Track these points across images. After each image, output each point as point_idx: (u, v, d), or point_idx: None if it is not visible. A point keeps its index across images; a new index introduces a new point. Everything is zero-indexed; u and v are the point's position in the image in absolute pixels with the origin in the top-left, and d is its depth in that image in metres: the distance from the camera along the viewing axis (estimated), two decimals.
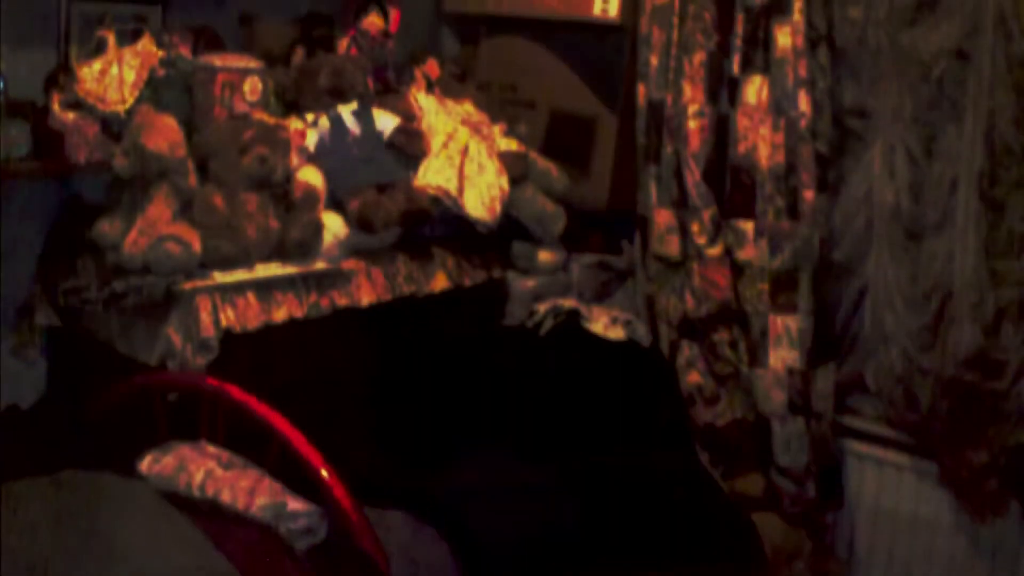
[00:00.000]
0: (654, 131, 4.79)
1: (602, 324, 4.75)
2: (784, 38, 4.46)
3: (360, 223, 4.24)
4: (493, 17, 5.32)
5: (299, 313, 4.07)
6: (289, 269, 4.04)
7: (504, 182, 4.67)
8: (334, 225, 4.20)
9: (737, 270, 4.63)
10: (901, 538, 4.58)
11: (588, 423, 4.65)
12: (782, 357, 4.56)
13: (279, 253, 4.05)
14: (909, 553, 4.56)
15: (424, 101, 4.82)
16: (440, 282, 4.59)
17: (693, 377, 4.74)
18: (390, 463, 4.34)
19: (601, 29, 5.02)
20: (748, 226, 4.57)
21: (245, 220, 3.95)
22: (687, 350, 4.76)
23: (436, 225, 4.66)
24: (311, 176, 4.21)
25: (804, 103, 4.45)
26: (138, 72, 4.17)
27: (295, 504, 3.30)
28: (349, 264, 4.27)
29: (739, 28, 4.56)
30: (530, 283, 4.86)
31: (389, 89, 4.89)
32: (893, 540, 4.61)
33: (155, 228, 3.79)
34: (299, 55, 4.75)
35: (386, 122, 4.53)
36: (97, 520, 3.08)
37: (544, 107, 5.22)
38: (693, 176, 4.68)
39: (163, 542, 3.07)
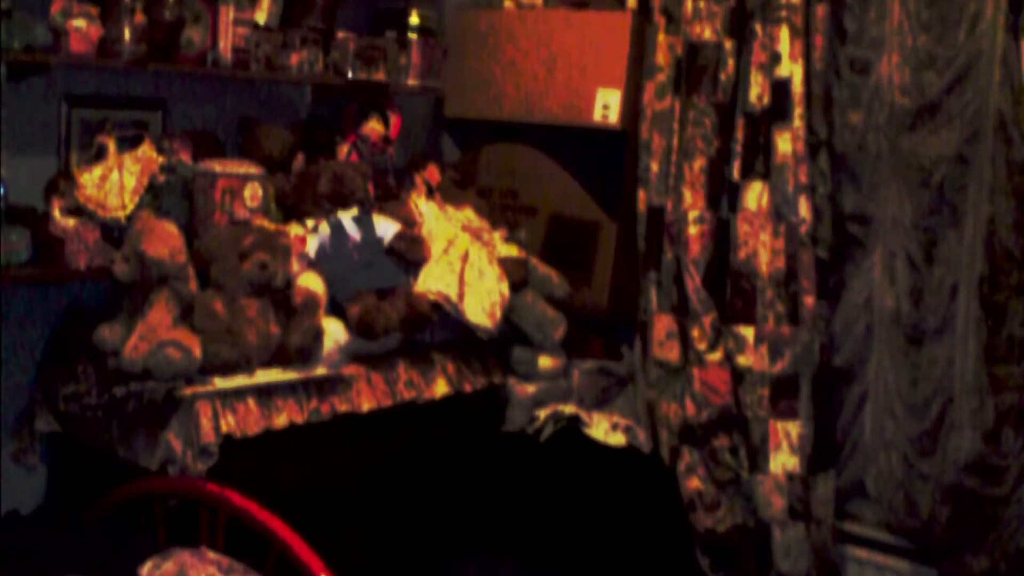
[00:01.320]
0: (654, 237, 4.85)
1: (603, 430, 4.80)
2: (784, 144, 4.55)
3: (360, 329, 4.28)
4: (493, 123, 5.40)
5: (300, 419, 4.10)
6: (290, 375, 4.08)
7: (504, 288, 4.72)
8: (334, 331, 4.24)
9: (737, 376, 4.66)
10: None
11: (589, 529, 4.71)
12: (782, 463, 4.59)
13: (279, 359, 4.09)
14: None
15: (425, 207, 4.89)
16: (440, 388, 4.62)
17: (693, 483, 4.74)
18: (391, 569, 4.39)
19: (601, 135, 5.08)
20: (748, 332, 4.62)
21: (246, 326, 3.99)
22: (688, 456, 4.76)
23: (436, 331, 4.71)
24: (311, 282, 4.26)
25: (804, 209, 4.52)
26: (138, 178, 4.24)
27: None
28: (349, 370, 4.32)
29: (739, 134, 4.65)
30: (530, 389, 4.89)
31: (390, 195, 4.95)
32: None
33: (155, 333, 3.82)
34: (299, 161, 4.82)
35: (386, 228, 4.60)
36: None
37: (544, 213, 5.30)
38: (693, 282, 4.74)
39: None
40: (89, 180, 4.17)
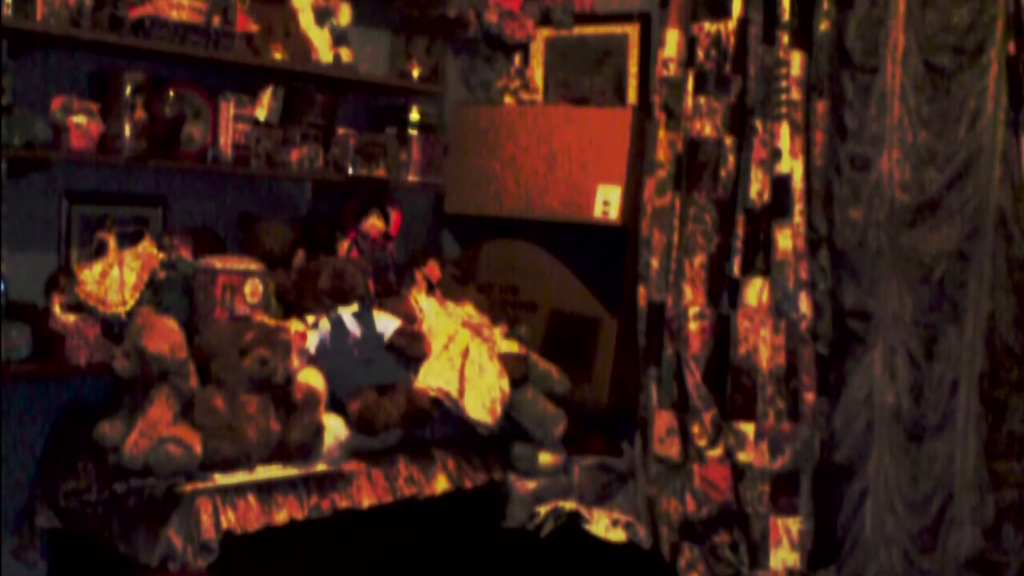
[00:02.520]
0: (655, 333, 4.90)
1: (603, 526, 4.81)
2: (785, 240, 4.61)
3: (361, 425, 4.32)
4: (494, 219, 5.47)
5: (300, 515, 4.12)
6: (290, 471, 4.12)
7: (505, 384, 4.75)
8: (335, 427, 4.28)
9: (738, 472, 4.68)
10: None
11: None
12: (783, 559, 4.60)
13: (280, 455, 4.12)
14: None
15: (425, 303, 4.94)
16: (441, 484, 4.64)
17: None
18: None
19: (602, 231, 5.14)
20: (749, 428, 4.65)
21: (246, 422, 4.03)
22: (688, 552, 4.78)
23: (437, 427, 4.74)
24: (312, 378, 4.30)
25: (805, 305, 4.57)
26: (139, 274, 4.30)
27: None
28: (350, 466, 4.34)
29: (740, 230, 4.71)
30: (531, 485, 4.90)
31: (390, 291, 5.01)
32: None
33: (156, 429, 3.86)
34: (300, 257, 4.88)
35: (387, 324, 4.64)
36: None
37: (545, 308, 5.35)
38: (694, 378, 4.78)
39: None
40: (89, 276, 4.22)
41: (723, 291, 4.77)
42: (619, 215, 5.04)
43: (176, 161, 4.57)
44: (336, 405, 4.38)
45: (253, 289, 4.48)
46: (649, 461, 4.91)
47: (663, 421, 4.86)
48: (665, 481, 4.87)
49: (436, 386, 4.58)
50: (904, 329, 4.53)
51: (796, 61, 4.62)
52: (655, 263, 4.89)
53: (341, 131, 5.15)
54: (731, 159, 4.74)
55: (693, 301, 4.77)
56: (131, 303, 4.23)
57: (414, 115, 5.42)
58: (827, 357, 4.63)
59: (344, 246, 5.04)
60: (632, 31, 5.35)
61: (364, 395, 4.38)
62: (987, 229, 4.30)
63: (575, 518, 4.81)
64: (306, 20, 5.04)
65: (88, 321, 4.16)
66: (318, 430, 4.19)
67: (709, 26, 4.80)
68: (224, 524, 3.91)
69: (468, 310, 5.04)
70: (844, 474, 4.70)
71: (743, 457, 4.66)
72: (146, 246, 4.39)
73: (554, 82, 5.62)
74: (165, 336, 4.00)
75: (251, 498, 4.01)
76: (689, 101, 4.83)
